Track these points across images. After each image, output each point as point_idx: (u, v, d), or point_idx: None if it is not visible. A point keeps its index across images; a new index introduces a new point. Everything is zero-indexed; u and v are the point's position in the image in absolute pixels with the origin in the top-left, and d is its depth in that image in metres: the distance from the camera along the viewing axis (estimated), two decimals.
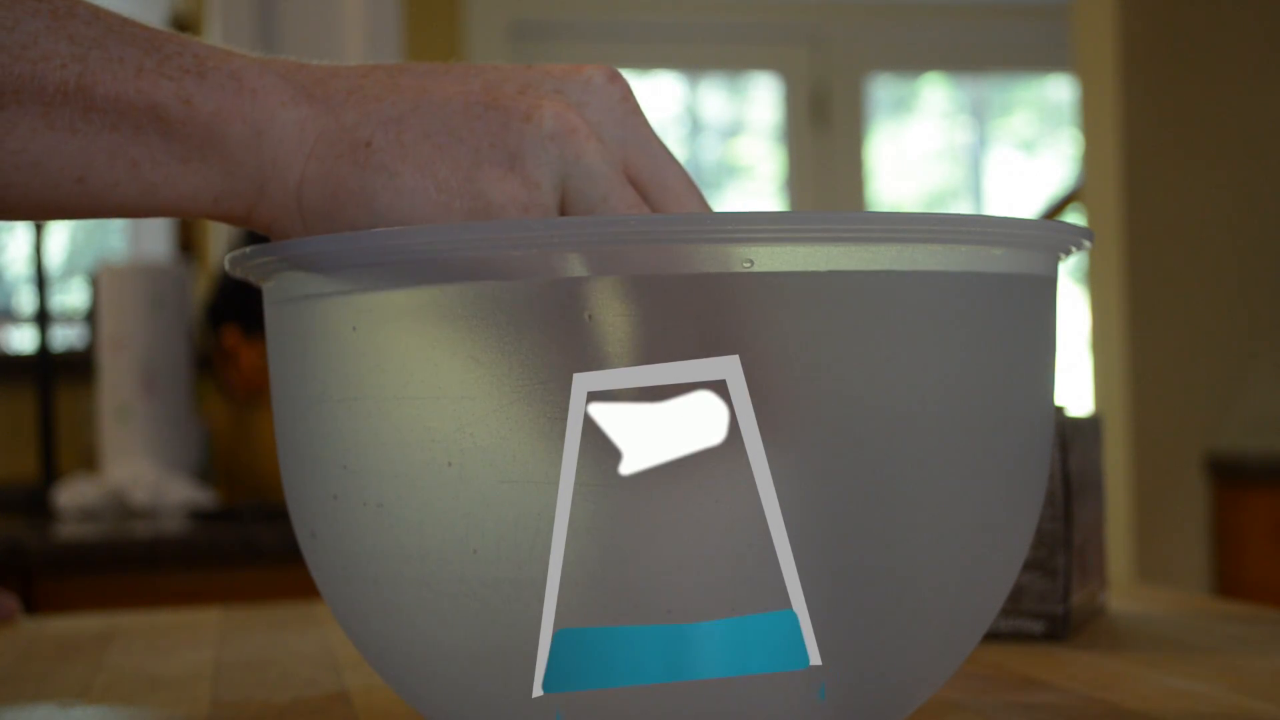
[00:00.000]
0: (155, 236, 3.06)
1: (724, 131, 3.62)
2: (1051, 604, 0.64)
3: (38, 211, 0.45)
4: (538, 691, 0.39)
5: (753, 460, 0.38)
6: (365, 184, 0.45)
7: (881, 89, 3.66)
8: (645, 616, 0.39)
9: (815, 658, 0.39)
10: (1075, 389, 3.16)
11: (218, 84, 0.45)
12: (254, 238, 1.96)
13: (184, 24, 2.69)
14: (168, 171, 0.45)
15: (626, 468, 0.38)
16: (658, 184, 0.48)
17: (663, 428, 0.38)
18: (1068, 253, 0.44)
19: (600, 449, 0.38)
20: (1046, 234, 0.42)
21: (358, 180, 0.45)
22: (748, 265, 0.38)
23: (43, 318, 1.97)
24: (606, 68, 0.48)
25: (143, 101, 0.44)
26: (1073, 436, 0.65)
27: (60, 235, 3.28)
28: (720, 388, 0.38)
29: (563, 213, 0.45)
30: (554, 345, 0.38)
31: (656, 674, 0.39)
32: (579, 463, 0.38)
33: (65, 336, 2.75)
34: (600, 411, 0.38)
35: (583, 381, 0.38)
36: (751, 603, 0.39)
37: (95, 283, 1.93)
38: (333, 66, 0.47)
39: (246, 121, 0.45)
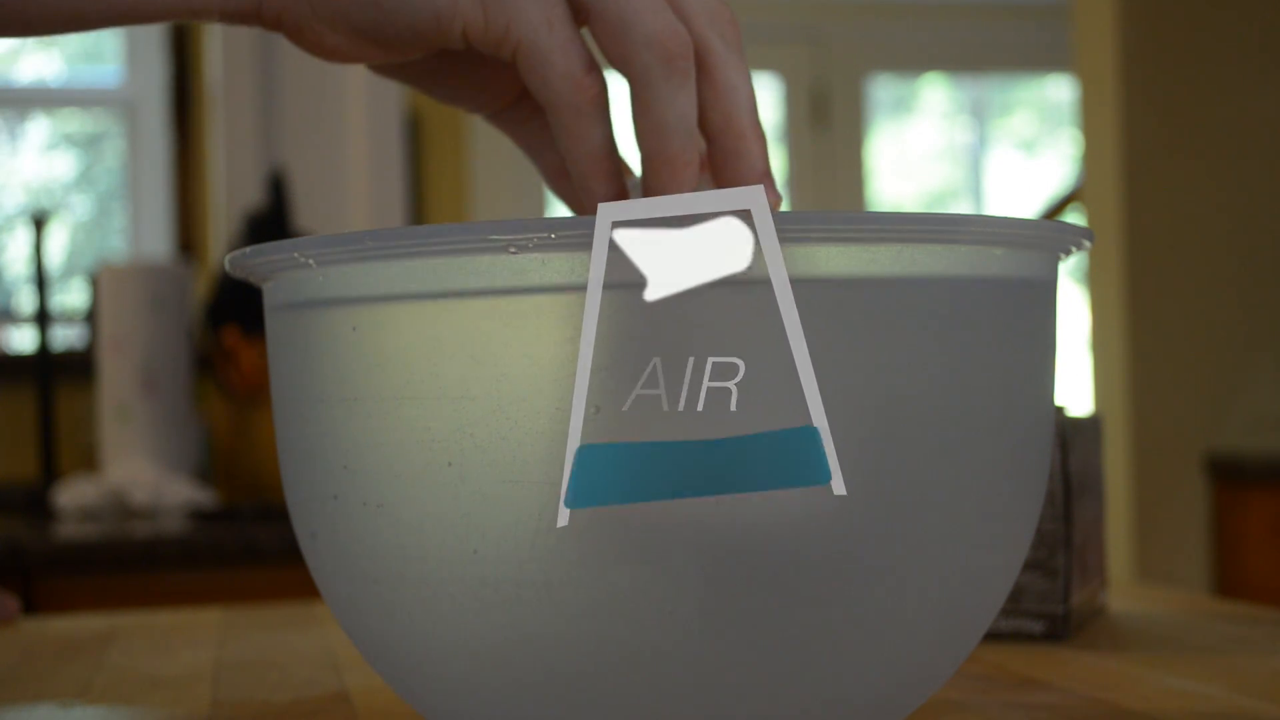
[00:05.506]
0: (155, 236, 3.06)
1: None
2: (1051, 604, 0.64)
3: (56, 23, 0.47)
4: (563, 521, 0.38)
5: None
6: None
7: (881, 89, 3.66)
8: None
9: (838, 485, 0.37)
10: (1075, 389, 3.16)
11: None
12: (254, 237, 1.96)
13: (185, 27, 2.69)
14: None
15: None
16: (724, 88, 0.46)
17: (687, 254, 0.37)
18: (1068, 253, 0.44)
19: None
20: (1046, 234, 0.42)
21: None
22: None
23: (43, 318, 1.97)
24: None
25: None
26: (1073, 436, 0.65)
27: (60, 235, 3.28)
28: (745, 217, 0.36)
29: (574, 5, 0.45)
30: (553, 345, 0.38)
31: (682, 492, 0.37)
32: None
33: (65, 336, 2.75)
34: (622, 235, 0.37)
35: (608, 212, 0.36)
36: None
37: (95, 283, 1.93)
38: None
39: None
